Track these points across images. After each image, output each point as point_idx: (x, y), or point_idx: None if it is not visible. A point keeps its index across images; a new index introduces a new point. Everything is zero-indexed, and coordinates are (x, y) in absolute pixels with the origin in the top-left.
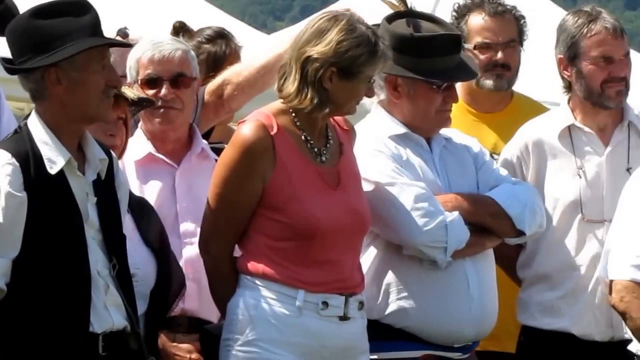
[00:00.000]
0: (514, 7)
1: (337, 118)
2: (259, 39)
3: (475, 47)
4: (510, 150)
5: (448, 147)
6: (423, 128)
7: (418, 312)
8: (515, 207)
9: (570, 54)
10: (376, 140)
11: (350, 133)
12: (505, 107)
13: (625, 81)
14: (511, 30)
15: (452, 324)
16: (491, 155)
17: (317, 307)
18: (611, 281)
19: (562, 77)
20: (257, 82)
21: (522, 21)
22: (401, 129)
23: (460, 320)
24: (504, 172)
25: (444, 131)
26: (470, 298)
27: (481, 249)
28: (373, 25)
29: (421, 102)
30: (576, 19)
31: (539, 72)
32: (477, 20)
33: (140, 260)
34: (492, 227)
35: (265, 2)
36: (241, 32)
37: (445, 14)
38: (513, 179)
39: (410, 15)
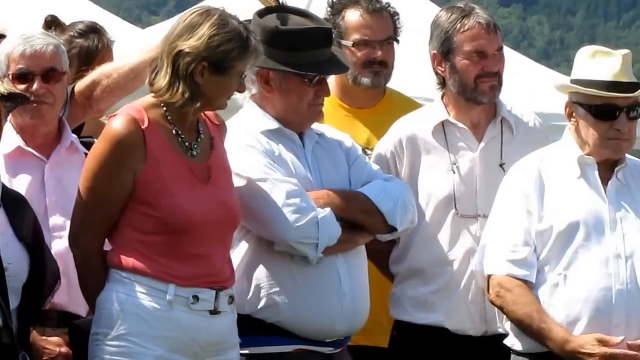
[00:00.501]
0: (388, 4)
1: (208, 113)
2: (133, 34)
3: (354, 44)
4: (384, 145)
5: (320, 143)
6: (295, 122)
7: (289, 307)
8: (387, 203)
9: (444, 49)
10: (248, 136)
11: (221, 128)
12: (377, 103)
13: (498, 76)
14: (388, 28)
15: (323, 319)
16: (364, 151)
17: (188, 301)
18: (488, 276)
19: (436, 73)
20: (126, 84)
21: (397, 17)
22: (273, 124)
23: (331, 316)
24: (376, 167)
25: (316, 126)
26: (342, 293)
27: (353, 245)
28: (246, 20)
29: (293, 96)
30: (449, 14)
31: (412, 68)
32: (354, 17)
33: (13, 255)
34: (364, 223)
35: None
36: (116, 26)
37: (320, 11)
38: (385, 175)
39: (281, 10)
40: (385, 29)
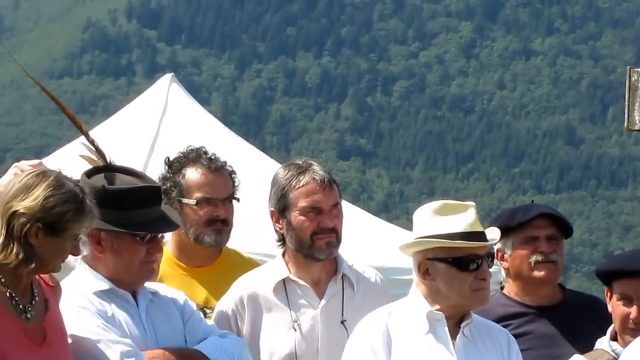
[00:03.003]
0: (225, 162)
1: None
2: None
3: (197, 203)
4: (225, 303)
5: (155, 301)
6: (127, 281)
7: None
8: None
9: (281, 205)
10: (80, 297)
11: (56, 289)
12: (214, 261)
13: (335, 232)
14: (228, 186)
15: None
16: (204, 310)
17: None
18: None
19: (276, 230)
20: None
21: (234, 176)
22: (105, 285)
23: None
24: (210, 323)
25: (150, 285)
26: None
27: None
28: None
29: (125, 255)
30: (286, 171)
31: (253, 225)
32: (195, 175)
33: None
34: None
35: None
36: None
37: (157, 170)
38: (220, 330)
39: (108, 169)
40: (226, 187)
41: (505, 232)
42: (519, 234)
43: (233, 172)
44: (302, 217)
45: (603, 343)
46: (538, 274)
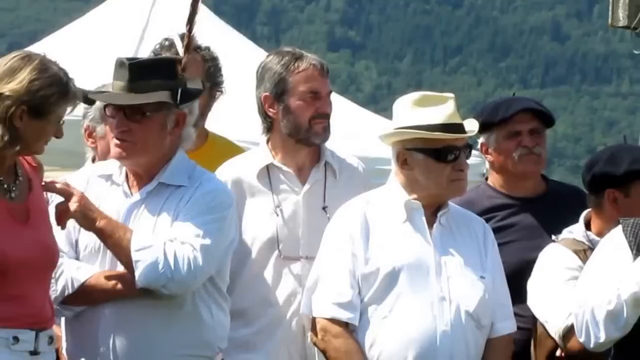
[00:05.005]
0: (209, 48)
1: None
2: None
3: None
4: None
5: (155, 192)
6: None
7: None
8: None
9: (277, 90)
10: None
11: (39, 169)
12: (200, 147)
13: (329, 118)
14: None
15: None
16: None
17: (8, 342)
18: (313, 318)
19: (265, 116)
20: None
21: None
22: (109, 171)
23: None
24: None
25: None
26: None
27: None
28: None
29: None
30: (280, 57)
31: (237, 113)
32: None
33: None
34: None
35: None
36: None
37: None
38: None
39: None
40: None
41: (489, 127)
42: (502, 128)
43: (213, 59)
44: (300, 102)
45: (575, 232)
46: (522, 167)
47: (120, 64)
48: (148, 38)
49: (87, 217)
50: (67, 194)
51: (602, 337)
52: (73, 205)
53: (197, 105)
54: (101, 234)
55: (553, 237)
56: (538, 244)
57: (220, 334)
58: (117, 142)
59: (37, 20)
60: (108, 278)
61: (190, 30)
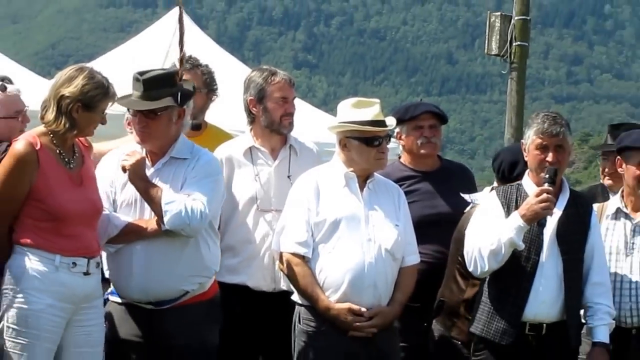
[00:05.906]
0: (207, 65)
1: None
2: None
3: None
4: None
5: (168, 162)
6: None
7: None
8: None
9: (259, 96)
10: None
11: (89, 148)
12: (202, 133)
13: (293, 116)
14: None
15: (122, 291)
16: None
17: (69, 266)
18: (281, 253)
19: (249, 114)
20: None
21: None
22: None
23: (126, 289)
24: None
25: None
26: (132, 274)
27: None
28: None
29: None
30: (261, 72)
31: (229, 110)
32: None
33: None
34: None
35: None
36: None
37: None
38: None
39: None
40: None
41: (402, 121)
42: (410, 123)
43: (209, 72)
44: (274, 105)
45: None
46: (423, 151)
47: (136, 79)
48: (169, 59)
49: (138, 174)
50: (138, 155)
51: (486, 268)
52: (134, 163)
53: (193, 103)
54: (143, 189)
55: (464, 195)
56: (434, 204)
57: (214, 260)
58: (139, 132)
59: (93, 45)
60: (139, 225)
61: (181, 49)
